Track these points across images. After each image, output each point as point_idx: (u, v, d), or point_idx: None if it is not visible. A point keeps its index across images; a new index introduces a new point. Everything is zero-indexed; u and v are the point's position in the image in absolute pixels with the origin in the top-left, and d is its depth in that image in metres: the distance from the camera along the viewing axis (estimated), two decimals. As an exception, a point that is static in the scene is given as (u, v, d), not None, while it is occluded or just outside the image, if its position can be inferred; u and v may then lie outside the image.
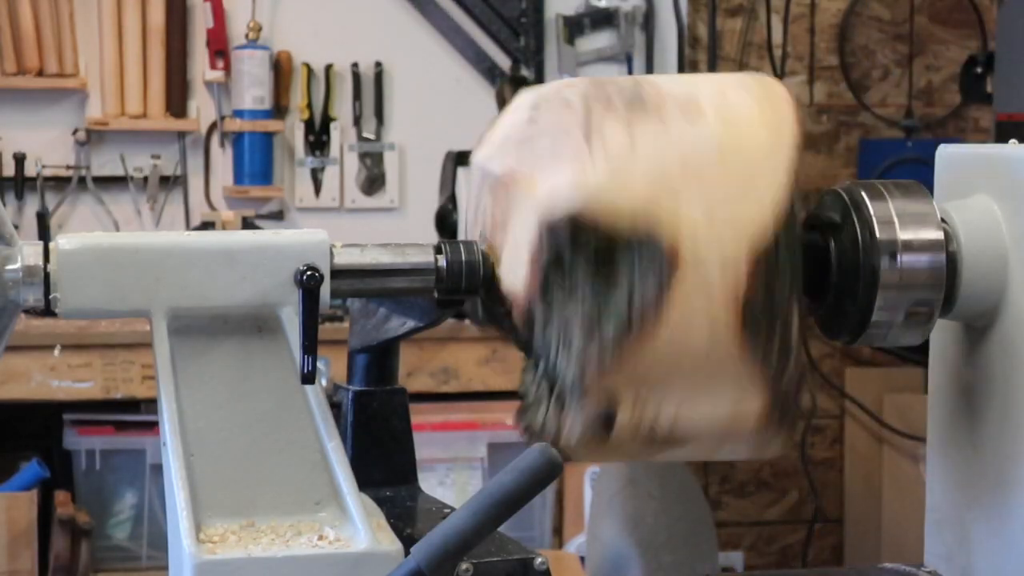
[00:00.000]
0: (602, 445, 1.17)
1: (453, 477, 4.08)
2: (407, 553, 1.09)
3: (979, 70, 4.32)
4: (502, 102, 4.13)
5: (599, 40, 4.56)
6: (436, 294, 1.26)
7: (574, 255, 1.15)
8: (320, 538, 1.20)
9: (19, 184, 4.27)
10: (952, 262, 1.22)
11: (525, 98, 1.24)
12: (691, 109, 1.18)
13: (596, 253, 1.14)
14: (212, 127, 4.40)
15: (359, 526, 1.20)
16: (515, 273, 1.21)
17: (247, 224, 4.32)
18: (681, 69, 4.57)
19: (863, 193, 1.22)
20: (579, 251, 1.14)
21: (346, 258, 1.24)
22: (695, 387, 1.17)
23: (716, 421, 1.18)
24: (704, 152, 1.16)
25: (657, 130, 1.16)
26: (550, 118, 1.20)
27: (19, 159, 4.26)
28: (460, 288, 1.24)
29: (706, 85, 1.22)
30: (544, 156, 1.19)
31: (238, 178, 4.38)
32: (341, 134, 4.45)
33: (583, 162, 1.15)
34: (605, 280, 1.14)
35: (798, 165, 1.17)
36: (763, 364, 1.16)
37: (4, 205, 1.22)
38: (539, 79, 4.43)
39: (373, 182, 4.48)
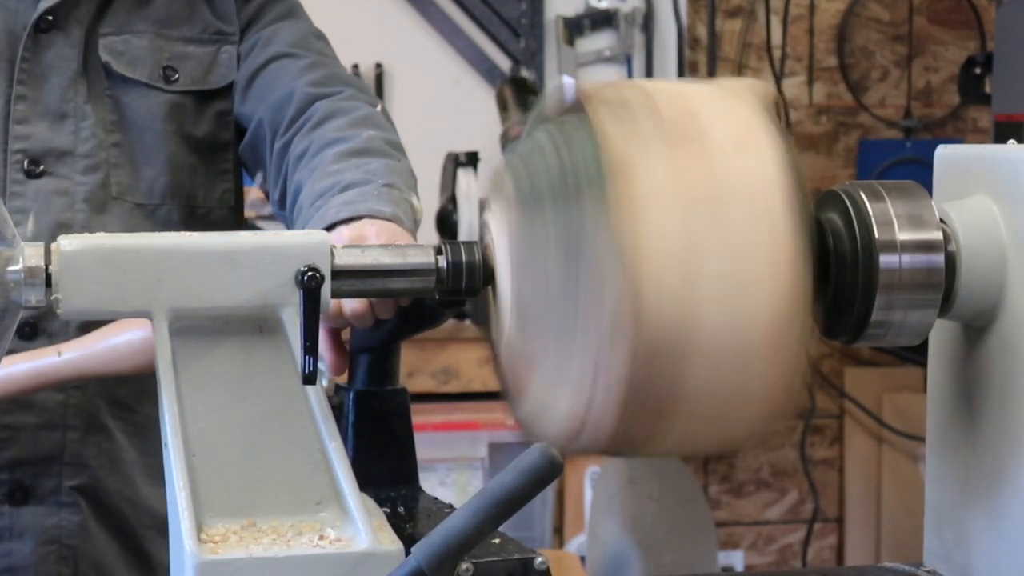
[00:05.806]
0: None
1: (454, 477, 4.08)
2: (408, 553, 1.09)
3: (978, 71, 4.31)
4: (502, 103, 4.13)
5: (599, 41, 4.56)
6: (437, 295, 1.26)
7: None
8: (321, 538, 1.20)
9: (20, 185, 4.26)
10: (951, 262, 1.23)
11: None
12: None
13: None
14: (213, 128, 4.39)
15: (360, 526, 1.20)
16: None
17: (248, 225, 4.30)
18: (681, 70, 4.57)
19: (862, 194, 1.22)
20: None
21: (347, 259, 1.24)
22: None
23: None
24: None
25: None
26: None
27: (20, 160, 4.25)
28: (461, 289, 1.25)
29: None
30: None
31: (239, 179, 4.37)
32: (341, 135, 4.44)
33: None
34: None
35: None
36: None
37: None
38: (539, 80, 4.43)
39: (373, 183, 4.47)
